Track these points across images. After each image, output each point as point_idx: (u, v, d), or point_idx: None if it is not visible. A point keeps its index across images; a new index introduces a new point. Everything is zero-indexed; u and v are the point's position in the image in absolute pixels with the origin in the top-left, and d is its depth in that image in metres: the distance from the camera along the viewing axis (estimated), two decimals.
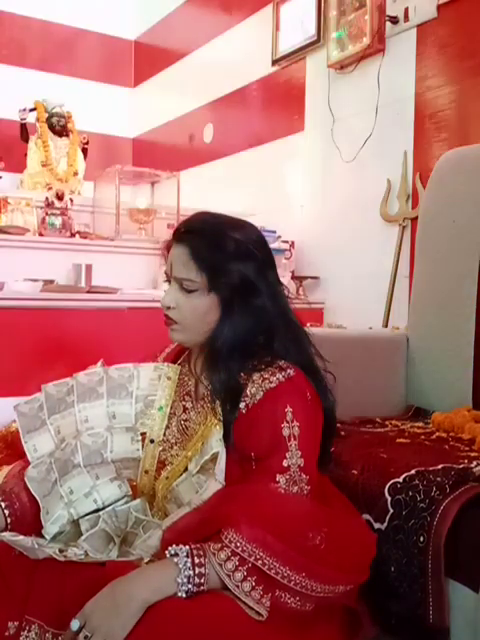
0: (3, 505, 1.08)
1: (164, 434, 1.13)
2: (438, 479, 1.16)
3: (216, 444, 1.02)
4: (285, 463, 1.01)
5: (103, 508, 1.12)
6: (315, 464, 1.07)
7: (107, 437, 1.12)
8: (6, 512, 1.08)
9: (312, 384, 1.09)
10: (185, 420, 1.13)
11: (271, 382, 1.05)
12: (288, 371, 1.06)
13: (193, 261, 1.06)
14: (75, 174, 3.71)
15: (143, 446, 1.13)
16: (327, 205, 3.20)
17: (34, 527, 1.09)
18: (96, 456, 1.12)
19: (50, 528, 1.08)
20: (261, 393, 1.04)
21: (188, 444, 1.09)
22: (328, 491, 1.15)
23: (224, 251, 1.06)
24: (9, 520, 1.07)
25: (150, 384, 1.14)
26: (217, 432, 1.04)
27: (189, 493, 1.04)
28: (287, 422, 1.02)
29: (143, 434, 1.13)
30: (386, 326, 2.66)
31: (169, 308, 1.09)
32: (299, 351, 1.11)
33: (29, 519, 1.09)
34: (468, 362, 1.71)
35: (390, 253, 2.75)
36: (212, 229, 1.09)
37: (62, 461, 1.10)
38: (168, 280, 1.12)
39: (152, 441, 1.12)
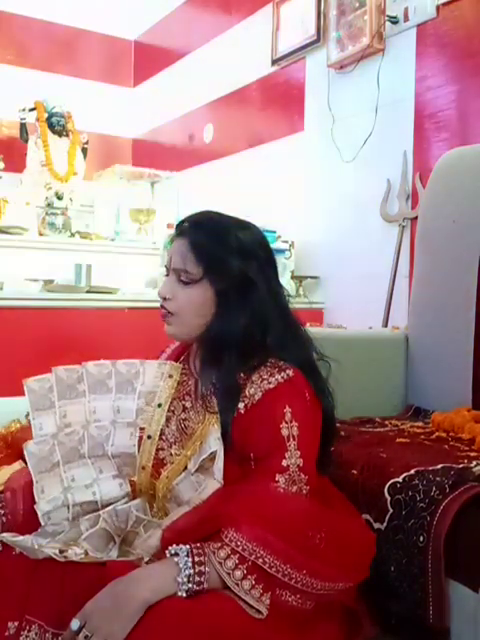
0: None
1: (164, 433, 1.13)
2: (438, 479, 1.16)
3: (214, 443, 1.03)
4: (284, 463, 1.01)
5: (101, 504, 1.12)
6: (314, 464, 1.07)
7: (111, 431, 1.13)
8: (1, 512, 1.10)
9: (311, 385, 1.09)
10: (184, 419, 1.13)
11: (270, 382, 1.05)
12: (287, 371, 1.06)
13: (192, 252, 1.07)
14: (75, 174, 3.71)
15: (141, 442, 1.14)
16: (327, 205, 3.20)
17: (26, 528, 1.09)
18: (99, 448, 1.13)
19: (44, 506, 1.09)
20: (260, 393, 1.05)
21: (187, 443, 1.10)
22: (328, 491, 1.15)
23: (224, 245, 1.07)
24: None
25: (153, 381, 1.15)
26: (215, 431, 1.04)
27: (188, 492, 1.04)
28: (286, 422, 1.03)
29: (142, 430, 1.14)
30: (386, 326, 2.66)
31: (165, 299, 1.10)
32: (297, 350, 1.11)
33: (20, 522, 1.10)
34: (468, 362, 1.71)
35: (390, 253, 2.75)
36: (214, 224, 1.10)
37: (68, 447, 1.11)
38: (168, 274, 1.13)
39: (149, 437, 1.13)
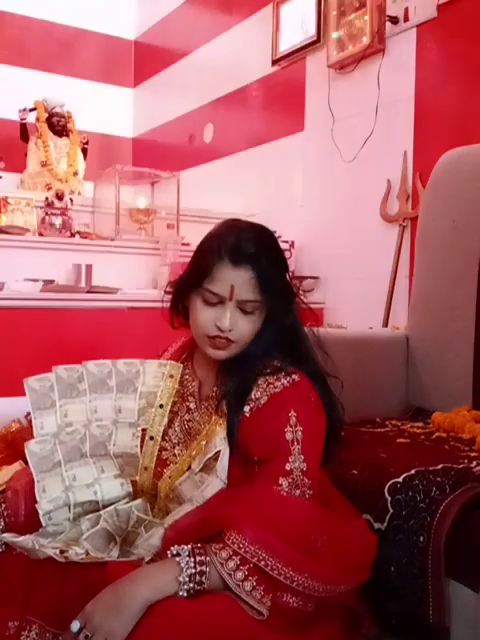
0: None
1: (167, 434, 1.14)
2: (438, 479, 1.16)
3: (220, 442, 1.03)
4: (288, 467, 1.01)
5: (102, 504, 1.13)
6: (317, 468, 1.07)
7: (113, 430, 1.14)
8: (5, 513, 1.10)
9: (320, 394, 1.09)
10: (188, 420, 1.13)
11: (276, 387, 1.05)
12: (293, 376, 1.07)
13: (259, 285, 1.04)
14: (75, 174, 3.71)
15: (143, 443, 1.14)
16: (327, 205, 3.20)
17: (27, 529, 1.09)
18: (101, 447, 1.14)
19: (45, 505, 1.09)
20: (265, 397, 1.05)
21: (191, 444, 1.10)
22: (329, 493, 1.15)
23: (274, 264, 1.07)
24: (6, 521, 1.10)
25: (154, 381, 1.15)
26: (221, 431, 1.04)
27: (191, 491, 1.04)
28: (291, 426, 1.03)
29: (144, 430, 1.14)
30: (386, 326, 2.66)
31: (230, 330, 1.06)
32: (308, 359, 1.11)
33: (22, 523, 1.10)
34: (468, 362, 1.71)
35: (390, 253, 2.75)
36: (261, 244, 1.07)
37: (69, 446, 1.11)
38: (220, 301, 1.05)
39: (152, 438, 1.13)
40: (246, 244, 1.05)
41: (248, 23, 3.78)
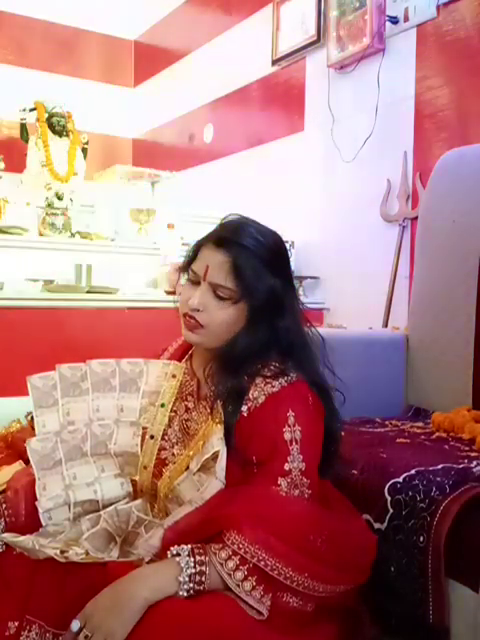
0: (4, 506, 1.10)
1: (166, 433, 1.14)
2: (438, 479, 1.16)
3: (217, 443, 1.03)
4: (286, 467, 1.01)
5: (102, 503, 1.13)
6: (316, 468, 1.07)
7: (114, 429, 1.14)
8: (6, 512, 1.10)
9: (322, 404, 1.09)
10: (187, 420, 1.13)
11: (274, 386, 1.05)
12: (291, 376, 1.06)
13: (234, 271, 1.05)
14: (75, 174, 3.70)
15: (143, 442, 1.14)
16: (327, 205, 3.20)
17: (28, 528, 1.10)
18: (102, 446, 1.14)
19: (45, 503, 1.09)
20: (263, 397, 1.05)
21: (190, 443, 1.10)
22: (329, 494, 1.15)
23: (266, 266, 1.06)
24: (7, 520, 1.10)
25: (157, 381, 1.15)
26: (218, 431, 1.04)
27: (190, 491, 1.04)
28: (289, 426, 1.03)
29: (144, 429, 1.14)
30: (386, 326, 2.66)
31: (198, 311, 1.07)
32: (312, 369, 1.11)
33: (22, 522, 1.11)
34: (468, 362, 1.71)
35: (390, 253, 2.75)
36: (258, 243, 1.07)
37: (71, 445, 1.12)
38: (196, 281, 1.09)
39: (152, 437, 1.13)
40: (232, 231, 1.08)
41: (248, 23, 3.78)
